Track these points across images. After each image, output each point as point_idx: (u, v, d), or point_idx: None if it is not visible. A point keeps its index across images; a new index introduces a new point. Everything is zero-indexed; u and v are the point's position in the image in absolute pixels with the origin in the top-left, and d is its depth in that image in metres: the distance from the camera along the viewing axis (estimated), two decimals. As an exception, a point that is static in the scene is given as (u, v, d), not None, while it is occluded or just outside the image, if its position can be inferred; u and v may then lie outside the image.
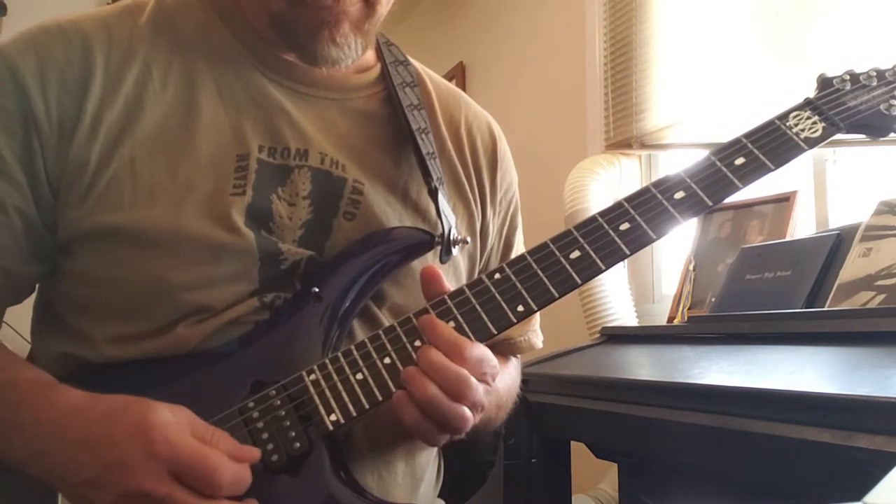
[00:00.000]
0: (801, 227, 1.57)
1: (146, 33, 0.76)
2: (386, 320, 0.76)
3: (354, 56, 0.76)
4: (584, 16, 2.27)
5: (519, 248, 0.94)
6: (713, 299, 1.44)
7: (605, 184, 1.98)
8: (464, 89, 2.96)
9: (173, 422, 0.60)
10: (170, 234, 0.70)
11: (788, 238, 1.50)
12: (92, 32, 0.74)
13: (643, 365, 1.21)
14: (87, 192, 0.71)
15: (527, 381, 1.22)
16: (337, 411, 0.67)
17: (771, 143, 0.75)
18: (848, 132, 0.80)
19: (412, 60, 0.89)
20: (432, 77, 0.91)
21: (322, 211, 0.76)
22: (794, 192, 1.57)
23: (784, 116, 0.78)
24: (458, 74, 3.02)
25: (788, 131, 0.76)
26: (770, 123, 0.77)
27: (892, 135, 0.82)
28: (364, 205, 0.77)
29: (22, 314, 0.80)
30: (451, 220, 0.79)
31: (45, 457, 0.62)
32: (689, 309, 1.65)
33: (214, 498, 0.60)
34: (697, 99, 1.82)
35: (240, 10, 0.78)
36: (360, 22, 0.74)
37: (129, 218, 0.70)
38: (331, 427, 0.67)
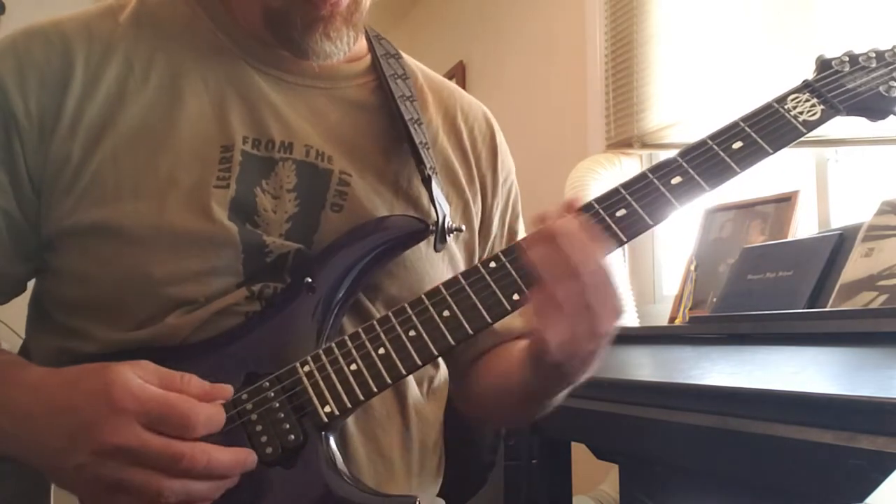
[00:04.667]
0: (803, 226, 1.56)
1: (127, 29, 0.76)
2: (378, 312, 0.76)
3: (346, 49, 0.76)
4: (584, 14, 2.27)
5: (522, 236, 0.93)
6: (714, 300, 1.44)
7: (606, 183, 1.97)
8: (464, 88, 2.95)
9: (133, 377, 0.60)
10: (152, 229, 0.70)
11: (790, 238, 1.50)
12: (72, 31, 0.74)
13: (644, 365, 1.21)
14: (71, 188, 0.71)
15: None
16: (331, 403, 0.66)
17: (769, 127, 0.74)
18: (847, 115, 0.78)
19: (403, 55, 0.89)
20: (424, 71, 0.91)
21: (308, 204, 0.76)
22: (796, 192, 1.57)
23: (782, 99, 0.77)
24: (458, 73, 3.02)
25: (787, 114, 0.75)
26: (768, 107, 0.76)
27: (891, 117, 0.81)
28: (351, 196, 0.77)
29: (15, 310, 0.80)
30: (445, 208, 0.78)
31: (17, 437, 0.63)
32: (690, 309, 1.64)
33: (192, 439, 0.59)
34: (698, 98, 1.81)
35: (224, 4, 0.78)
36: (349, 14, 0.75)
37: (112, 213, 0.70)
38: (325, 419, 0.66)
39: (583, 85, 2.26)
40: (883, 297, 1.03)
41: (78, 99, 0.72)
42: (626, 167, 2.07)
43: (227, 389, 0.65)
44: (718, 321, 1.22)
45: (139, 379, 0.60)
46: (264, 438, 0.66)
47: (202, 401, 0.62)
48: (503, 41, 2.75)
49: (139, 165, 0.71)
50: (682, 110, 1.86)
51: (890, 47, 0.81)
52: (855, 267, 1.11)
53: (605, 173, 2.00)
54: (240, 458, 0.62)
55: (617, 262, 1.90)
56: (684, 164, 0.72)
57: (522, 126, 2.50)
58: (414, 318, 0.68)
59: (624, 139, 2.05)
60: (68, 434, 0.59)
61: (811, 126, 0.75)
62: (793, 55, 1.58)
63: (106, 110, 0.72)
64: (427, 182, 0.78)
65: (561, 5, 2.40)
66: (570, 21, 2.35)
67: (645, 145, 2.00)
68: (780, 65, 1.60)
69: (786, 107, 0.76)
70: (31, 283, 0.79)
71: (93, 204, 0.70)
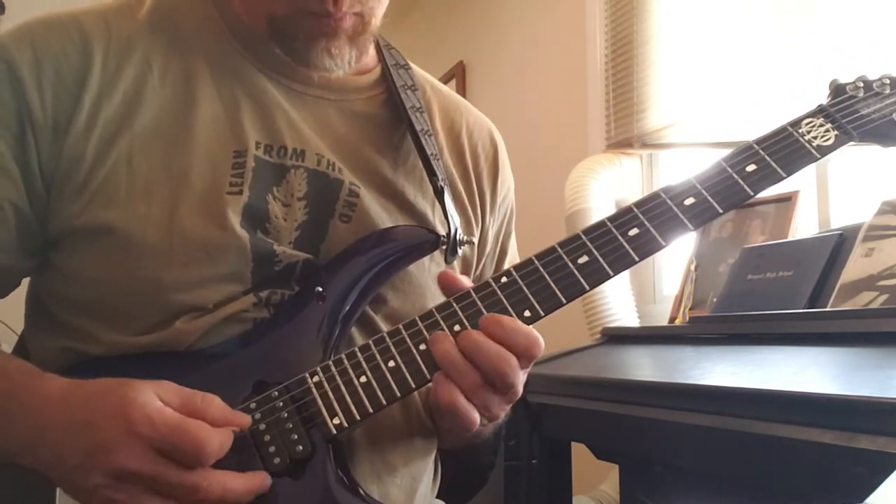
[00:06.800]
0: (803, 226, 1.56)
1: (145, 28, 0.76)
2: (383, 326, 0.76)
3: (346, 67, 0.76)
4: (584, 15, 2.27)
5: (512, 254, 0.94)
6: (715, 299, 1.44)
7: (606, 183, 1.97)
8: (464, 89, 2.96)
9: (152, 398, 0.60)
10: (164, 233, 0.69)
11: (790, 238, 1.50)
12: (90, 26, 0.73)
13: (644, 365, 1.21)
14: (84, 186, 0.70)
15: (527, 381, 1.21)
16: (340, 414, 0.66)
17: (783, 151, 0.74)
18: (860, 141, 0.78)
19: (413, 65, 0.89)
20: (433, 83, 0.91)
21: (317, 213, 0.75)
22: (797, 192, 1.57)
23: (796, 123, 0.76)
24: (458, 74, 3.02)
25: (801, 139, 0.75)
26: (782, 130, 0.76)
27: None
28: (360, 207, 0.77)
29: (10, 306, 0.80)
30: (456, 220, 0.78)
31: (36, 447, 0.62)
32: (690, 309, 1.64)
33: (202, 468, 0.60)
34: (698, 98, 1.81)
35: (234, 8, 0.78)
36: (356, 35, 0.74)
37: (123, 215, 0.69)
38: (334, 430, 0.66)
39: (583, 85, 2.26)
40: (883, 297, 1.03)
41: (95, 97, 0.71)
42: (626, 167, 2.07)
43: (246, 419, 0.64)
44: (718, 321, 1.22)
45: (158, 401, 0.60)
46: (272, 449, 0.65)
47: (219, 425, 0.61)
48: (503, 41, 2.75)
49: (153, 168, 0.71)
50: (682, 110, 1.86)
51: None
52: (855, 267, 1.11)
53: (605, 173, 2.00)
54: (253, 485, 0.62)
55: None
56: (698, 186, 0.72)
57: (522, 126, 2.50)
58: (425, 331, 0.68)
59: (624, 139, 2.05)
60: (84, 452, 0.59)
61: (825, 151, 0.75)
62: (793, 55, 1.58)
63: (123, 110, 0.72)
64: (440, 193, 0.78)
65: (561, 6, 2.40)
66: (570, 21, 2.35)
67: (645, 145, 1.99)
68: (781, 65, 1.60)
69: (800, 131, 0.76)
70: (25, 279, 0.78)
71: (104, 205, 0.70)
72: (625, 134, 2.05)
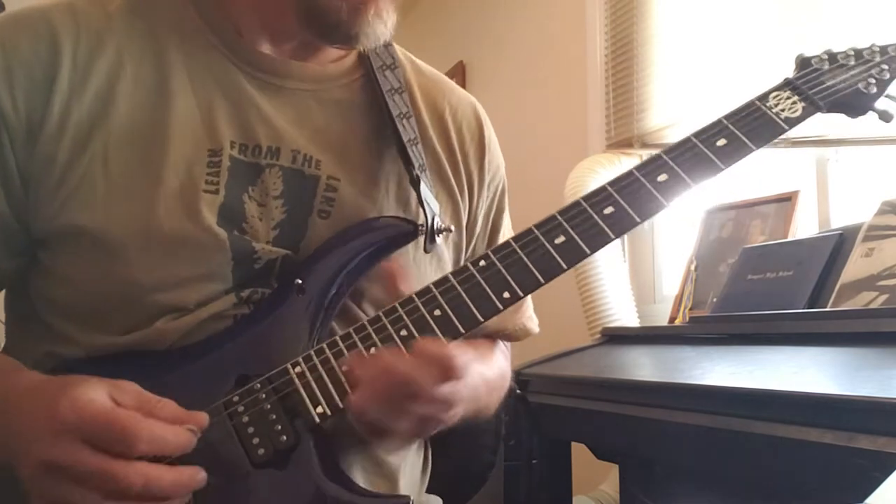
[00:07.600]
0: (804, 226, 1.56)
1: (118, 22, 0.74)
2: (365, 315, 0.75)
3: (390, 32, 0.75)
4: (584, 15, 2.27)
5: (506, 232, 0.93)
6: (715, 300, 1.44)
7: (606, 184, 1.97)
8: (464, 88, 2.96)
9: (86, 392, 0.57)
10: (142, 234, 0.69)
11: (790, 238, 1.50)
12: (59, 21, 0.72)
13: (644, 366, 1.21)
14: (58, 188, 0.70)
15: (527, 381, 1.22)
16: (323, 403, 0.66)
17: (752, 124, 0.76)
18: (828, 111, 0.80)
19: (394, 44, 0.87)
20: (415, 62, 0.90)
21: (295, 210, 0.75)
22: (797, 192, 1.57)
23: (764, 97, 0.79)
24: (458, 74, 3.02)
25: (769, 111, 0.77)
26: (750, 104, 0.78)
27: (878, 120, 0.82)
28: (339, 202, 0.76)
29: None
30: (434, 208, 0.78)
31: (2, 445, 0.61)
32: (690, 309, 1.64)
33: (128, 457, 0.56)
34: (698, 98, 1.81)
35: (217, 3, 0.76)
36: None
37: (101, 217, 0.69)
38: (317, 419, 0.66)
39: (583, 85, 2.26)
40: (883, 297, 1.03)
41: (66, 95, 0.70)
42: (626, 167, 2.06)
43: (202, 417, 0.61)
44: (719, 321, 1.22)
45: (95, 396, 0.57)
46: (256, 440, 0.66)
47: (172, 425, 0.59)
48: (503, 41, 2.75)
49: (129, 167, 0.70)
50: (682, 110, 1.86)
51: (868, 45, 0.84)
52: (855, 267, 1.11)
53: (605, 173, 2.00)
54: (183, 478, 0.58)
55: (617, 262, 1.90)
56: (669, 162, 0.74)
57: (522, 126, 2.50)
58: (405, 317, 0.68)
59: (624, 139, 2.05)
60: (17, 446, 0.58)
61: (792, 123, 0.77)
62: (793, 54, 1.58)
63: (96, 109, 0.71)
64: (415, 182, 0.77)
65: (561, 5, 2.40)
66: (570, 21, 2.35)
67: (645, 145, 1.99)
68: (781, 64, 1.60)
69: (767, 104, 0.78)
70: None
71: (81, 207, 0.69)
72: (625, 134, 2.04)
